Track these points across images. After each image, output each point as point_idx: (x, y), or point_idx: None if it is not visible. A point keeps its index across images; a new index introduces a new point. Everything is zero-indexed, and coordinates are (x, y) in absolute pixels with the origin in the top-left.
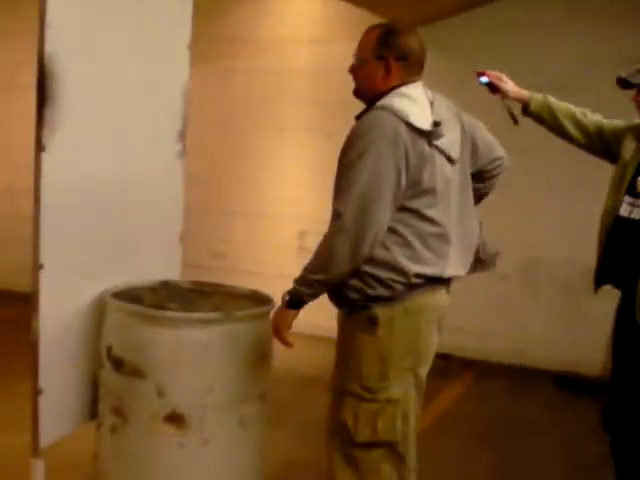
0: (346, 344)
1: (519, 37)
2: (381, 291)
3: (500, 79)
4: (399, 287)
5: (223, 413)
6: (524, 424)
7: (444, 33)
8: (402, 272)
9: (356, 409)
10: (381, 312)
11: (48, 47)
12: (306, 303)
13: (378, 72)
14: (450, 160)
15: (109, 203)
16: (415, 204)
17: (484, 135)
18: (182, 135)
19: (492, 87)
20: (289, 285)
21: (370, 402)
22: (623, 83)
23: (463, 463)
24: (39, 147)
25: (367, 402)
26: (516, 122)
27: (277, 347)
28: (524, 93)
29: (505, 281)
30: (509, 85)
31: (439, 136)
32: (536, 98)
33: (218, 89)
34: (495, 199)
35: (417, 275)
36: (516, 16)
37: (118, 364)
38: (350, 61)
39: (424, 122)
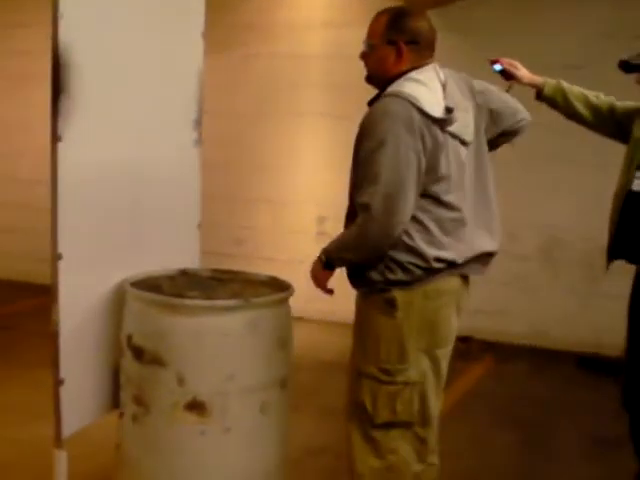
0: (364, 327)
1: (533, 16)
2: (401, 275)
3: (514, 66)
4: (418, 271)
5: (244, 400)
6: (545, 404)
7: (459, 14)
8: (422, 257)
9: (374, 391)
10: (400, 295)
11: (62, 37)
12: (337, 267)
13: (389, 57)
14: (464, 143)
15: (126, 192)
16: (433, 190)
17: (501, 98)
18: (198, 123)
19: (506, 74)
20: (308, 271)
21: (388, 384)
22: (625, 66)
23: (485, 442)
24: (55, 138)
25: (385, 384)
26: None
27: (296, 333)
28: (537, 79)
29: (525, 261)
30: (522, 72)
31: (452, 122)
32: (549, 83)
33: (235, 76)
34: (514, 179)
35: (437, 259)
36: None
37: (138, 353)
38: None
39: (436, 109)
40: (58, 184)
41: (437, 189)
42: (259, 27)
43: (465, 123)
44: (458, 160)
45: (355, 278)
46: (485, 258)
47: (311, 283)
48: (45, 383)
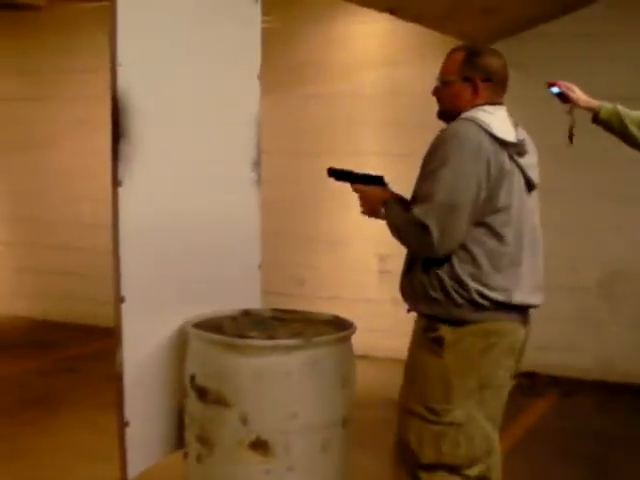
0: (413, 364)
1: (587, 48)
2: (440, 296)
3: (571, 89)
4: (459, 299)
5: (307, 438)
6: (611, 439)
7: (515, 48)
8: (463, 285)
9: (420, 430)
10: (447, 334)
11: (120, 83)
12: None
13: (465, 93)
14: (529, 184)
15: (187, 234)
16: (490, 220)
17: None
18: (257, 164)
19: (563, 97)
20: (372, 309)
21: (434, 424)
22: None
23: (547, 479)
24: (115, 182)
25: (431, 424)
26: (571, 141)
27: (360, 371)
28: (594, 102)
29: (587, 295)
30: (578, 95)
31: (522, 152)
32: (605, 106)
33: (293, 116)
34: (575, 214)
35: (481, 295)
36: (580, 30)
37: (202, 393)
38: (424, 82)
39: (508, 135)
40: (119, 227)
41: (494, 220)
42: (316, 67)
43: (533, 162)
44: (521, 196)
45: (404, 288)
46: (528, 310)
47: (375, 321)
48: (108, 425)
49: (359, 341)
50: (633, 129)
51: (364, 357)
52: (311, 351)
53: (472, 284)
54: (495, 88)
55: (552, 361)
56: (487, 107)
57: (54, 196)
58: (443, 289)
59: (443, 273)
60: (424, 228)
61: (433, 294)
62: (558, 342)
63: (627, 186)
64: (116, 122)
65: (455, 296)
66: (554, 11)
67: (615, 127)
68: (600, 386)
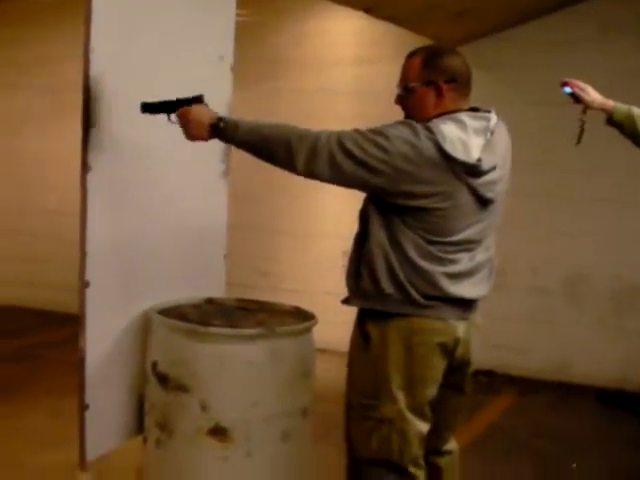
0: (350, 357)
1: (560, 51)
2: (368, 286)
3: (584, 90)
4: (387, 288)
5: (266, 427)
6: (565, 439)
7: (486, 51)
8: (395, 274)
9: (357, 424)
10: (373, 329)
11: (92, 70)
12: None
13: (429, 98)
14: (482, 200)
15: (154, 222)
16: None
17: None
18: (226, 154)
19: (575, 97)
20: (335, 303)
21: (366, 419)
22: None
23: (500, 477)
24: (85, 168)
25: (364, 419)
26: (578, 142)
27: (322, 365)
28: (608, 104)
29: (548, 296)
30: (592, 96)
31: (476, 173)
32: (620, 109)
33: (263, 110)
34: (540, 212)
35: (412, 284)
36: (553, 35)
37: (163, 379)
38: (396, 81)
39: (461, 151)
40: (87, 212)
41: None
42: (288, 62)
43: (492, 179)
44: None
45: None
46: (464, 303)
47: (336, 315)
48: (66, 411)
49: (319, 334)
50: None
51: (324, 351)
52: (273, 341)
53: (402, 275)
54: (460, 89)
55: (510, 360)
56: (463, 116)
57: (20, 183)
58: (371, 275)
59: (375, 263)
60: (318, 139)
61: (362, 284)
62: (516, 342)
63: (591, 190)
64: (86, 109)
65: (383, 282)
66: (527, 15)
67: (626, 130)
68: (557, 386)
